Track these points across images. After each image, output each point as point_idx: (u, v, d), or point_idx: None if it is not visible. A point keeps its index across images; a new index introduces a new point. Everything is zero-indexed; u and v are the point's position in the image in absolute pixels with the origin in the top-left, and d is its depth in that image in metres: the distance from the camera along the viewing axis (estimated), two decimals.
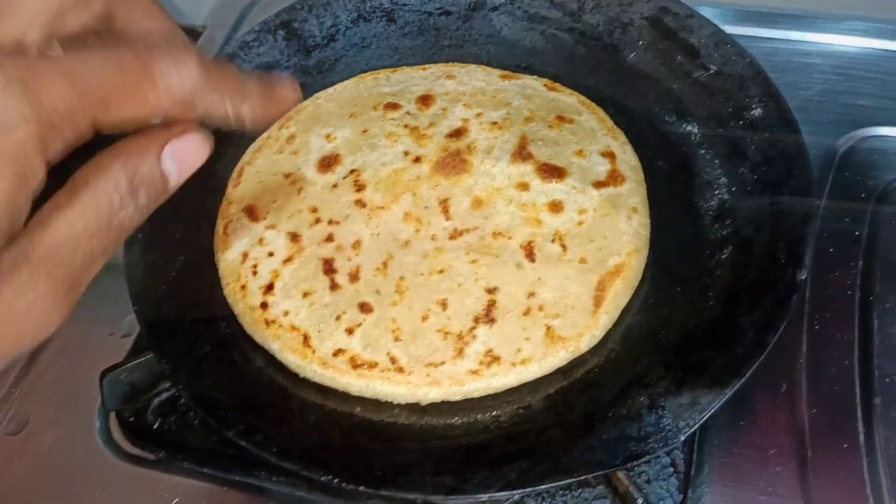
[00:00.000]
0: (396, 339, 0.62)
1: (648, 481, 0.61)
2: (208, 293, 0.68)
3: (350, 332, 0.63)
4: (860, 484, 0.61)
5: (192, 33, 1.07)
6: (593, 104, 0.76)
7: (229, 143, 0.75)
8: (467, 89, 0.78)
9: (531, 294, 0.64)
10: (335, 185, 0.72)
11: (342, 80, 0.82)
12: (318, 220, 0.69)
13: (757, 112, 0.70)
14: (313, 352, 0.63)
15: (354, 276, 0.66)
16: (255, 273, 0.67)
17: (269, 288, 0.66)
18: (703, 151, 0.72)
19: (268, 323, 0.64)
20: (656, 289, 0.66)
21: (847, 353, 0.68)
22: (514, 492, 0.56)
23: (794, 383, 0.67)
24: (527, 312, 0.63)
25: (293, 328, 0.64)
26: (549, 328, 0.62)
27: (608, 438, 0.55)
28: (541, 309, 0.63)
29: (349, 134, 0.75)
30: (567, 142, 0.72)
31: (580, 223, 0.67)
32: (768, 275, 0.61)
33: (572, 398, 0.60)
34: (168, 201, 0.41)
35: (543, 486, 0.54)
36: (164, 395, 0.69)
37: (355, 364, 0.62)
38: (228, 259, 0.69)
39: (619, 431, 0.56)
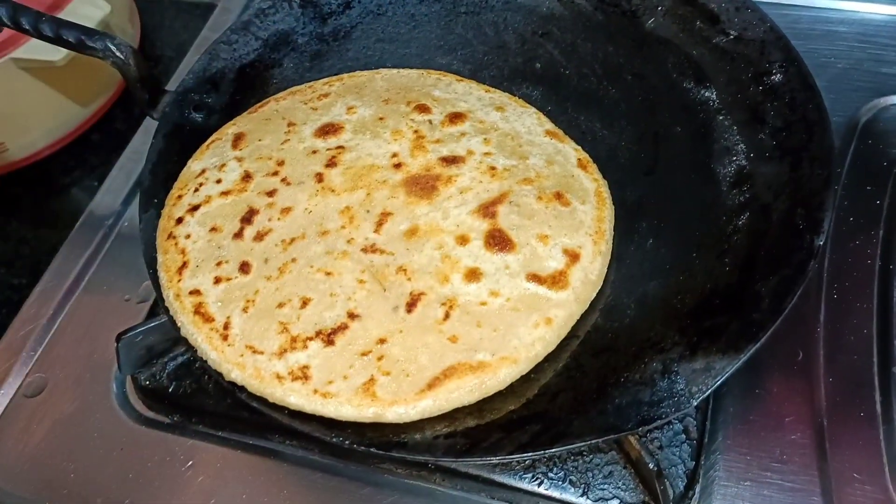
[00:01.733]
0: (244, 310, 0.61)
1: (661, 447, 0.61)
2: None
3: (217, 281, 0.63)
4: (876, 452, 0.61)
5: (209, 6, 1.07)
6: (609, 200, 0.68)
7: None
8: (503, 127, 0.73)
9: (382, 340, 0.60)
10: (314, 151, 0.71)
11: (357, 48, 0.82)
12: (275, 173, 0.69)
13: (777, 77, 0.69)
14: (179, 280, 0.63)
15: (260, 237, 0.65)
16: (196, 190, 0.69)
17: (195, 208, 0.67)
18: (721, 117, 0.71)
19: (169, 236, 0.66)
20: (673, 255, 0.65)
21: (865, 321, 0.67)
22: (526, 455, 0.56)
23: (811, 352, 0.66)
24: (365, 353, 0.59)
25: (182, 251, 0.65)
26: (372, 379, 0.58)
27: (620, 403, 0.55)
28: (380, 358, 0.59)
29: (368, 114, 0.74)
30: (542, 221, 0.66)
31: (482, 303, 0.61)
32: (786, 241, 0.60)
33: (586, 363, 0.60)
34: None
35: (555, 450, 0.54)
36: (180, 360, 0.69)
37: (198, 310, 0.61)
38: (191, 168, 0.71)
39: (631, 396, 0.55)
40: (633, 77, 0.76)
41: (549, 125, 0.74)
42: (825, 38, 0.87)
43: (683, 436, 0.61)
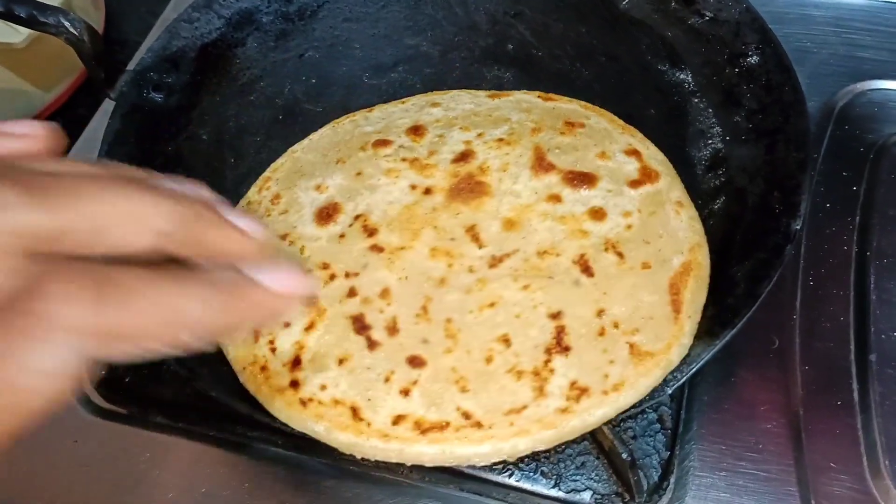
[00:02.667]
0: (463, 391, 0.54)
1: (635, 437, 0.59)
2: None
3: (406, 392, 0.54)
4: (854, 441, 0.59)
5: None
6: (596, 107, 0.70)
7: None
8: (458, 113, 0.71)
9: (601, 311, 0.56)
10: (342, 236, 0.63)
11: (323, 27, 0.80)
12: (332, 276, 0.61)
13: (753, 59, 0.67)
14: (368, 425, 0.53)
15: (393, 329, 0.57)
16: (273, 351, 0.58)
17: (296, 363, 0.57)
18: (696, 100, 0.70)
19: (304, 403, 0.55)
20: None
21: (842, 309, 0.66)
22: None
23: (787, 340, 0.65)
24: (601, 332, 0.55)
25: (336, 402, 0.54)
26: (631, 345, 0.54)
27: None
28: (616, 326, 0.56)
29: (342, 180, 0.67)
30: (585, 145, 0.66)
31: (629, 227, 0.61)
32: (762, 224, 0.58)
33: None
34: None
35: None
36: None
37: (423, 429, 0.52)
38: (237, 340, 0.60)
39: None
40: (606, 58, 0.74)
41: (485, 91, 0.74)
42: (800, 21, 0.86)
43: (658, 425, 0.60)
